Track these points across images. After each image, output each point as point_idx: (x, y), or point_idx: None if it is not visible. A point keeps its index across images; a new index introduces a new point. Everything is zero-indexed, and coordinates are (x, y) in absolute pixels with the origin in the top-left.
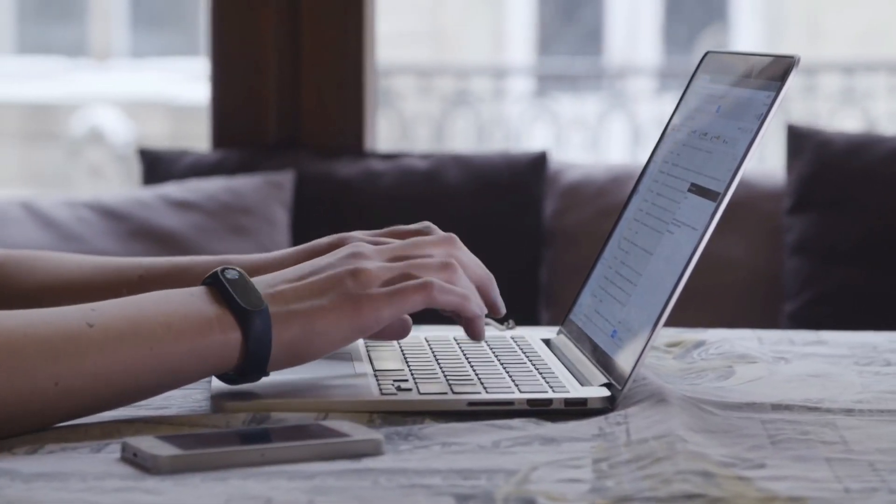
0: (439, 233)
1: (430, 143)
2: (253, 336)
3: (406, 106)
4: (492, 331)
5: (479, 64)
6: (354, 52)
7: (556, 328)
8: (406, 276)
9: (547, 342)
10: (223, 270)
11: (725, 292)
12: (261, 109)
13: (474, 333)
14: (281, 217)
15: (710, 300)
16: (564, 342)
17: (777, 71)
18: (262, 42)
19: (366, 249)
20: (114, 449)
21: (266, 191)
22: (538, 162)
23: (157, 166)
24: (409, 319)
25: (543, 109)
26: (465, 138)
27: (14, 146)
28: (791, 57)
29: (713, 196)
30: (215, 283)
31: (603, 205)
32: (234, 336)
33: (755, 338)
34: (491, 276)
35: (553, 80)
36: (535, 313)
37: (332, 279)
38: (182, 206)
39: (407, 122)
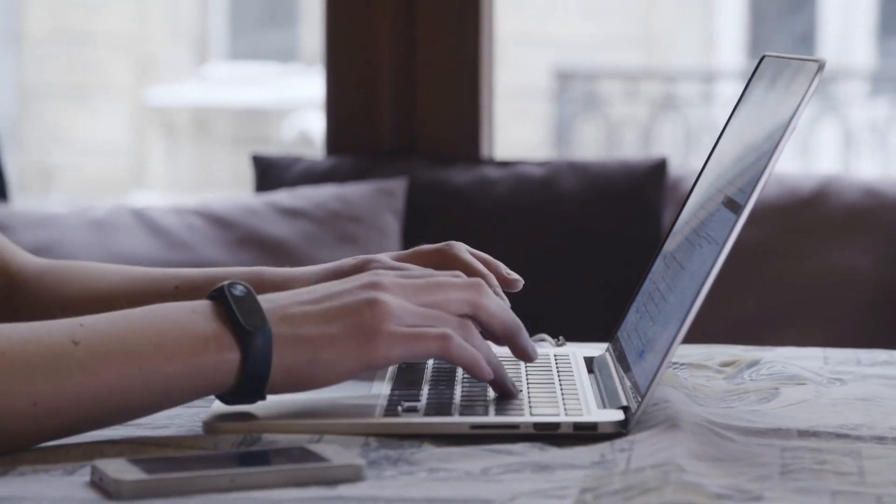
0: (464, 277)
1: (637, 148)
2: (252, 357)
3: (613, 111)
4: (545, 347)
5: (688, 68)
6: (471, 57)
7: (606, 345)
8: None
9: (590, 360)
10: (230, 286)
11: (847, 307)
12: (375, 116)
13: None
14: (392, 225)
15: (831, 315)
16: (606, 361)
17: (805, 76)
18: (376, 47)
19: (386, 280)
20: (88, 472)
21: (377, 198)
22: (657, 169)
23: (269, 173)
24: None
25: None
26: (672, 143)
27: (227, 150)
28: (817, 60)
29: (737, 209)
30: (220, 298)
31: None
32: (231, 356)
33: (821, 357)
34: (519, 322)
35: None
36: None
37: (348, 307)
38: (291, 213)
39: (613, 126)
